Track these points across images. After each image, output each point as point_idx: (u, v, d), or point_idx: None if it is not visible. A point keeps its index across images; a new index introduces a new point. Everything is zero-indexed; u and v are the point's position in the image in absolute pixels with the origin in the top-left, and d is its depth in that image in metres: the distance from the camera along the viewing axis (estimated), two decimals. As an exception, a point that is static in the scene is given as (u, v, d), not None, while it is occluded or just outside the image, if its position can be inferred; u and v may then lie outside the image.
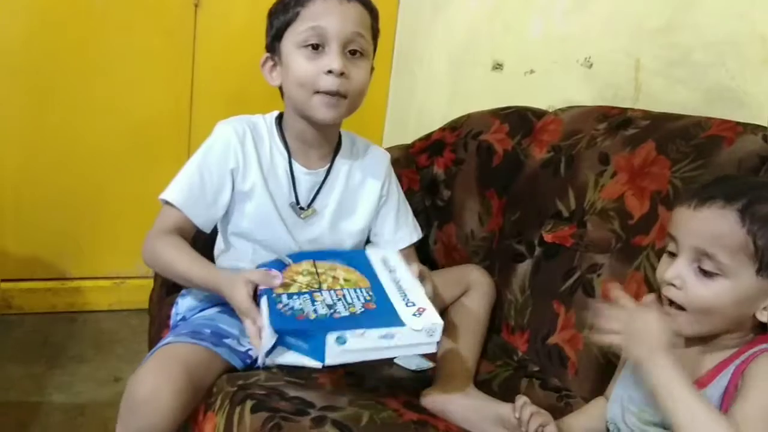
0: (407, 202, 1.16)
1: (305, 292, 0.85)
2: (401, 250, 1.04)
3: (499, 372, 1.06)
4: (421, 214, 1.26)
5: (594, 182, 1.09)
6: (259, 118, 1.06)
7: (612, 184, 1.06)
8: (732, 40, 1.08)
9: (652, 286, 0.95)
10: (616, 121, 1.12)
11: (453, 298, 1.09)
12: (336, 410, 0.79)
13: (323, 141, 1.05)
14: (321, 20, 0.95)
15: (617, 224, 1.02)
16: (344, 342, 0.76)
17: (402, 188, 1.17)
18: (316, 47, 0.96)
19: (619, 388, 0.81)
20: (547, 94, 1.42)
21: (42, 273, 1.80)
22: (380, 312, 0.82)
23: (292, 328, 0.79)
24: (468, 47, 1.71)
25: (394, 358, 0.95)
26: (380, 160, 1.12)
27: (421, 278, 0.92)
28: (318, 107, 0.98)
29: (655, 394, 0.67)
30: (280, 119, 1.06)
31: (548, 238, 1.12)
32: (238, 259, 1.03)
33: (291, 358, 0.80)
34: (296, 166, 1.04)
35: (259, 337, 0.80)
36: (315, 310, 0.81)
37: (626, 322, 0.71)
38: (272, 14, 1.01)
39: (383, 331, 0.78)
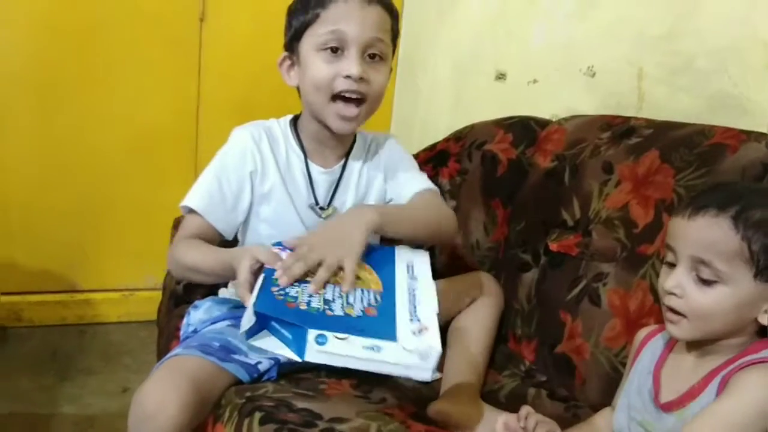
0: (412, 162, 1.15)
1: (307, 282, 0.82)
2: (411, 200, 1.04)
3: (507, 382, 1.06)
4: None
5: (598, 191, 1.09)
6: (274, 122, 1.07)
7: (616, 193, 1.06)
8: (734, 46, 1.09)
9: (657, 294, 0.95)
10: (620, 129, 1.13)
11: (461, 307, 1.09)
12: (344, 422, 0.79)
13: (339, 142, 1.06)
14: (341, 24, 0.95)
15: (622, 233, 1.03)
16: (324, 342, 0.72)
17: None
18: (335, 50, 0.96)
19: (624, 397, 0.81)
20: (551, 104, 1.42)
21: (51, 285, 1.81)
22: (378, 320, 0.78)
23: (274, 315, 0.76)
24: (471, 57, 1.72)
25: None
26: (382, 147, 1.12)
27: None
28: (334, 117, 0.98)
29: None
30: (294, 122, 1.07)
31: (554, 247, 1.12)
32: None
33: (273, 344, 0.78)
34: (313, 166, 1.04)
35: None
36: (308, 303, 0.78)
37: None
38: (291, 13, 1.01)
39: (370, 341, 0.73)
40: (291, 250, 0.87)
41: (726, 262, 0.69)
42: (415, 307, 0.82)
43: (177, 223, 1.07)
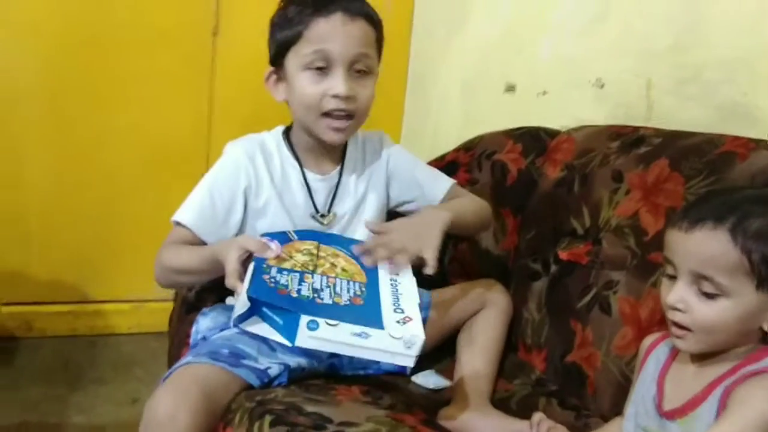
0: (422, 162, 1.17)
1: (297, 271, 0.84)
2: (445, 198, 1.10)
3: (517, 390, 1.05)
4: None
5: (608, 200, 1.09)
6: (266, 135, 1.07)
7: (626, 201, 1.06)
8: (742, 56, 1.10)
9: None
10: (629, 139, 1.13)
11: (470, 314, 1.09)
12: (353, 426, 0.79)
13: (332, 148, 1.06)
14: (326, 43, 0.95)
15: (632, 241, 1.02)
16: (316, 328, 0.75)
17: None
18: (321, 69, 0.96)
19: (632, 406, 0.81)
20: (560, 115, 1.43)
21: (63, 296, 1.82)
22: (364, 309, 0.81)
23: (267, 300, 0.79)
24: (481, 70, 1.74)
25: (378, 362, 0.92)
26: (378, 146, 1.13)
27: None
28: (325, 130, 0.99)
29: None
30: (286, 132, 1.08)
31: (564, 255, 1.12)
32: None
33: (264, 330, 0.80)
34: (309, 174, 1.05)
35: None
36: (299, 291, 0.81)
37: None
38: (275, 25, 1.01)
39: (358, 328, 0.77)
40: (281, 241, 0.88)
41: (727, 276, 0.68)
42: (397, 299, 0.86)
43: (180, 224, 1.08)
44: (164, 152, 1.81)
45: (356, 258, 0.93)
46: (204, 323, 1.03)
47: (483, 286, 1.13)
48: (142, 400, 1.43)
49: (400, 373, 1.03)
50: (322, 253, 0.91)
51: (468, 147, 1.37)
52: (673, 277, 0.73)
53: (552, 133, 1.30)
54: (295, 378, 0.92)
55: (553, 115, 1.44)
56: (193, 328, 1.04)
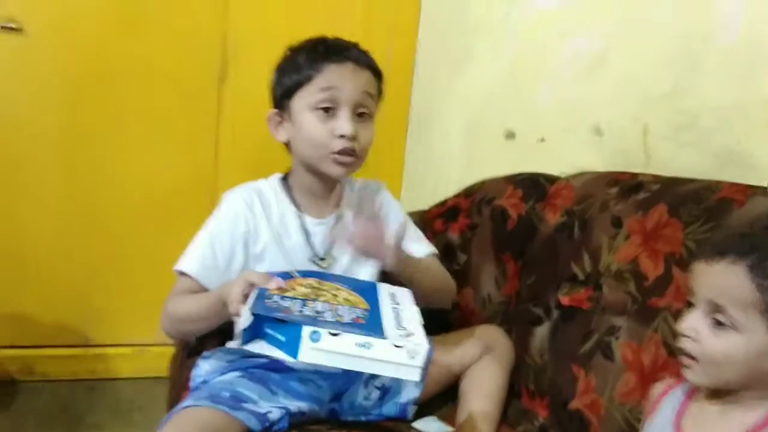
0: (413, 223, 1.18)
1: (299, 299, 0.85)
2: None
3: (520, 437, 1.04)
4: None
5: (608, 245, 1.10)
6: (263, 182, 1.10)
7: (626, 246, 1.07)
8: (737, 104, 1.12)
9: (670, 348, 0.95)
10: (628, 185, 1.15)
11: (472, 360, 1.09)
12: (354, 473, 0.78)
13: (330, 192, 1.10)
14: (335, 86, 1.01)
15: (633, 286, 1.03)
16: (318, 339, 0.76)
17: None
18: (327, 109, 1.01)
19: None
20: (559, 162, 1.45)
21: (64, 340, 1.82)
22: (366, 326, 0.82)
23: (270, 315, 0.79)
24: (481, 115, 1.77)
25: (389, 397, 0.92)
26: (376, 195, 1.16)
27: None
28: (330, 164, 1.03)
29: None
30: (284, 178, 1.10)
31: (565, 300, 1.12)
32: None
33: (267, 348, 0.80)
34: (307, 218, 1.08)
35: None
36: (301, 311, 0.81)
37: None
38: (282, 71, 1.06)
39: (361, 338, 0.77)
40: (282, 277, 0.90)
41: (741, 310, 0.69)
42: (399, 321, 0.86)
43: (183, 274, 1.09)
44: (168, 197, 1.83)
45: (358, 292, 0.94)
46: (204, 367, 1.03)
47: (484, 332, 1.14)
48: (139, 446, 1.42)
49: (401, 419, 1.02)
50: (323, 287, 0.93)
51: (468, 192, 1.39)
52: (693, 305, 0.74)
53: (551, 179, 1.32)
54: (296, 423, 0.91)
55: (552, 162, 1.46)
56: (194, 372, 1.04)
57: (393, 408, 1.03)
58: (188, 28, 1.78)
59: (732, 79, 1.13)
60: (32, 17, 1.65)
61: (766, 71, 1.08)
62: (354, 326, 0.80)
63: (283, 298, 0.84)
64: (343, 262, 1.08)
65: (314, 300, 0.86)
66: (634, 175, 1.17)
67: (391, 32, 1.94)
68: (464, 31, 1.82)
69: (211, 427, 0.86)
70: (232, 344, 1.08)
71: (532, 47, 1.60)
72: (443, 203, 1.42)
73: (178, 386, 1.10)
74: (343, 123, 1.00)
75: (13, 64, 1.67)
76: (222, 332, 1.02)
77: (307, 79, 1.01)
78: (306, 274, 0.97)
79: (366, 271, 1.10)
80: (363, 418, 1.01)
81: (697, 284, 0.74)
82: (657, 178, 1.13)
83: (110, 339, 1.86)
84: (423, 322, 0.87)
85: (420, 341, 0.79)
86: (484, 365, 1.08)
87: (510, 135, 1.66)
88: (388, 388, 1.04)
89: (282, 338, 0.79)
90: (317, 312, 0.82)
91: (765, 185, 0.97)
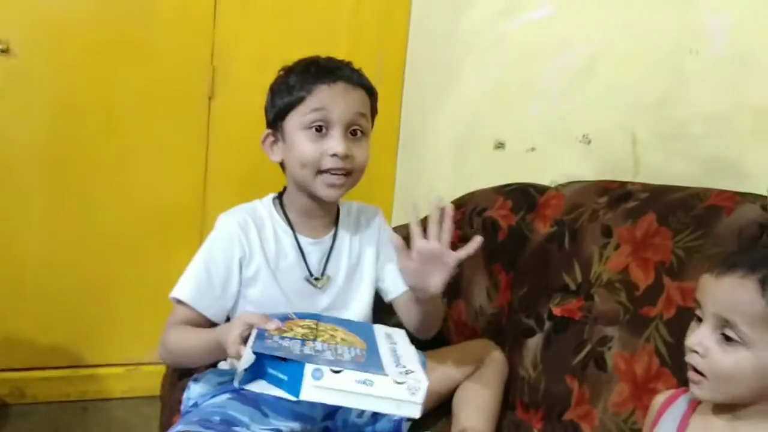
0: None
1: (298, 339, 0.86)
2: (405, 293, 1.08)
3: (515, 451, 1.04)
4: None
5: (599, 254, 1.10)
6: (257, 204, 1.09)
7: (616, 255, 1.07)
8: (723, 112, 1.12)
9: (663, 357, 0.95)
10: (617, 194, 1.15)
11: (465, 374, 1.08)
12: (347, 494, 0.77)
13: (326, 212, 1.09)
14: (327, 106, 1.00)
15: (624, 296, 1.03)
16: (320, 377, 0.76)
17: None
18: (319, 129, 1.01)
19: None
20: (549, 171, 1.45)
21: (55, 361, 1.80)
22: (366, 364, 0.82)
23: (272, 354, 0.79)
24: (471, 128, 1.77)
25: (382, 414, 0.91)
26: (372, 219, 1.15)
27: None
28: (322, 187, 1.02)
29: None
30: (278, 198, 1.10)
31: (557, 311, 1.12)
32: None
33: (267, 388, 0.80)
34: (302, 238, 1.07)
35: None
36: (301, 351, 0.81)
37: None
38: (275, 92, 1.06)
39: (362, 375, 0.77)
40: (279, 319, 0.90)
41: (749, 326, 0.68)
42: (398, 359, 0.87)
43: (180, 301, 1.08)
44: (159, 216, 1.82)
45: (355, 333, 0.95)
46: (195, 389, 1.02)
47: (477, 346, 1.14)
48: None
49: (395, 435, 1.01)
50: (321, 328, 0.94)
51: (459, 204, 1.39)
52: (700, 320, 0.73)
53: (541, 189, 1.32)
54: (287, 445, 0.90)
55: (542, 171, 1.46)
56: (185, 395, 1.03)
57: (387, 425, 1.03)
58: (176, 48, 1.78)
59: (719, 88, 1.14)
60: (21, 38, 1.65)
61: (753, 80, 1.09)
62: (354, 363, 0.81)
63: (282, 338, 0.85)
64: (338, 282, 1.08)
65: (313, 340, 0.86)
66: (623, 183, 1.18)
67: (381, 46, 1.95)
68: (453, 43, 1.83)
69: (202, 451, 0.84)
70: (223, 365, 1.07)
71: (521, 58, 1.60)
72: (434, 215, 1.42)
73: (169, 409, 1.09)
74: (335, 142, 1.00)
75: (2, 84, 1.66)
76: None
77: (299, 100, 1.01)
78: (303, 316, 0.97)
79: (359, 289, 1.09)
80: (357, 436, 1.00)
81: (704, 298, 0.73)
82: (646, 187, 1.13)
83: (101, 359, 1.84)
84: (419, 359, 0.88)
85: (420, 377, 0.80)
86: (477, 379, 1.08)
87: (499, 145, 1.67)
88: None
89: (284, 377, 0.79)
90: (317, 351, 0.83)
91: (763, 193, 0.97)
